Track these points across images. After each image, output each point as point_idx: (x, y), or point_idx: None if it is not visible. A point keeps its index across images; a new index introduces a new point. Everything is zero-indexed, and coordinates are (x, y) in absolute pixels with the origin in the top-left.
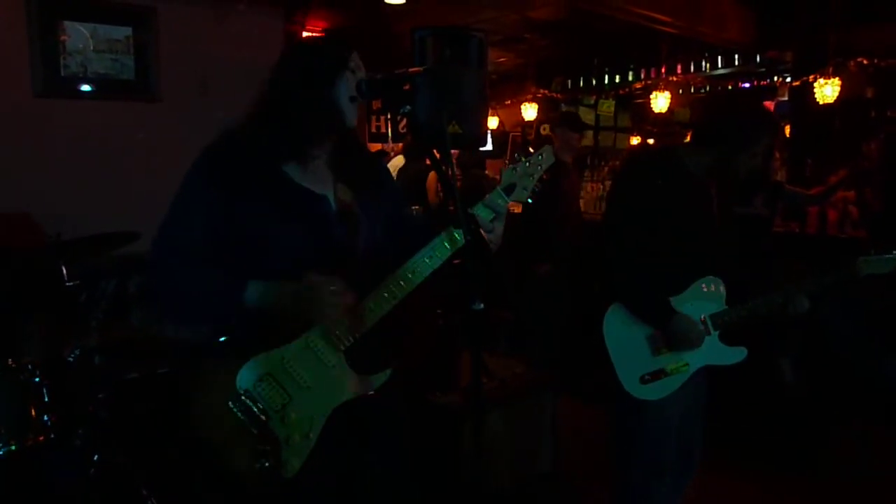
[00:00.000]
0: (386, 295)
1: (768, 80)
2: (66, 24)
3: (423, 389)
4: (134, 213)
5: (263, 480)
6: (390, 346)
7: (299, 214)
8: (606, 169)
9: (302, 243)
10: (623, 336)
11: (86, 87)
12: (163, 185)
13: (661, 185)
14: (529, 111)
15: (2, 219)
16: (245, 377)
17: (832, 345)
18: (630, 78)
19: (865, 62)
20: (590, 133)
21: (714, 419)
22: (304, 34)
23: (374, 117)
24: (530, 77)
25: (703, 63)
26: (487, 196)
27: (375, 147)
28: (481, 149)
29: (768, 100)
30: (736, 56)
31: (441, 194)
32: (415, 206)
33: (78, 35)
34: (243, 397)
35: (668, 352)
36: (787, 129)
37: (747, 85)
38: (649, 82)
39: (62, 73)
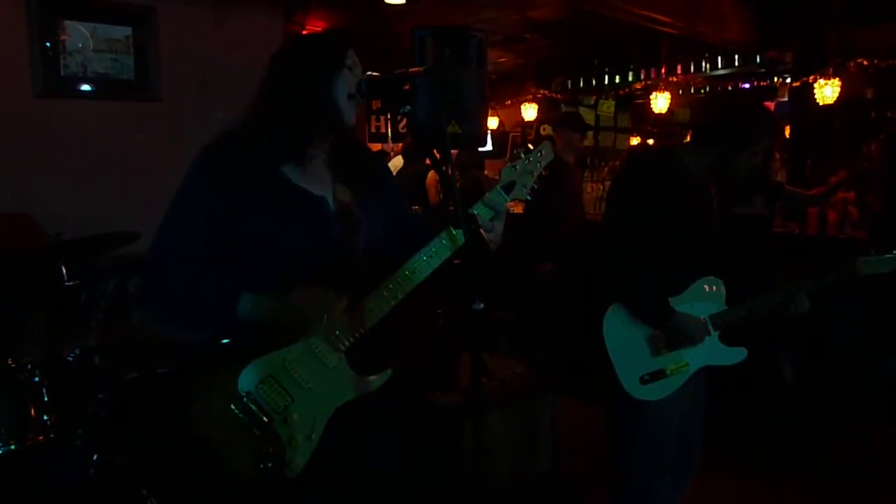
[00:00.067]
0: (386, 295)
1: (768, 81)
2: (67, 23)
3: (423, 389)
4: (134, 213)
5: (266, 481)
6: (390, 347)
7: (298, 216)
8: (606, 169)
9: (301, 244)
10: (623, 336)
11: (86, 87)
12: (163, 185)
13: (661, 185)
14: (529, 111)
15: (2, 219)
16: (246, 379)
17: (832, 345)
18: (630, 78)
19: (865, 63)
20: (590, 133)
21: (714, 419)
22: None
23: (374, 117)
24: (530, 77)
25: (703, 63)
26: (487, 195)
27: (376, 147)
28: (481, 149)
29: (768, 100)
30: (736, 56)
31: (441, 195)
32: (415, 206)
33: (78, 35)
34: (245, 399)
35: (668, 352)
36: (787, 130)
37: (747, 85)
38: (649, 83)
39: (62, 73)
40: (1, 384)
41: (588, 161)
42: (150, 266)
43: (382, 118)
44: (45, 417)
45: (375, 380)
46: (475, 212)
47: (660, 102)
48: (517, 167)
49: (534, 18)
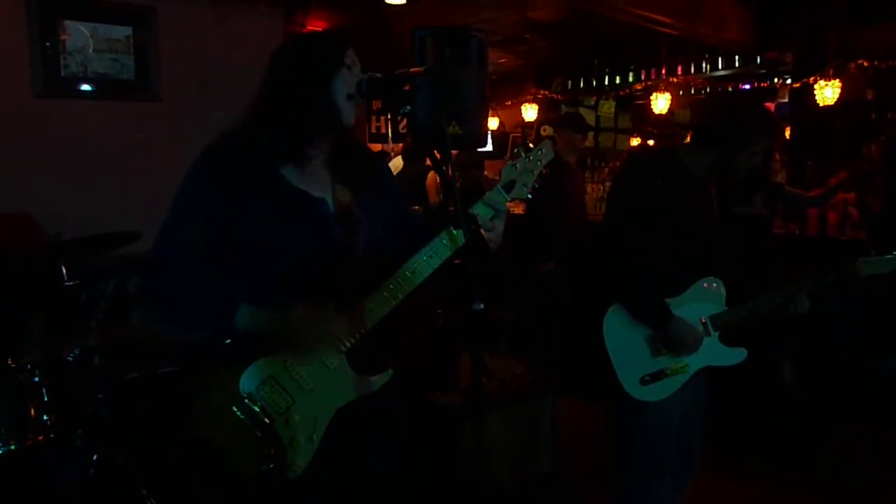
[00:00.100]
0: (386, 295)
1: (768, 82)
2: (67, 23)
3: (423, 389)
4: (134, 213)
5: (268, 482)
6: (391, 347)
7: (298, 217)
8: (606, 170)
9: (301, 244)
10: (623, 337)
11: (86, 87)
12: (163, 185)
13: (661, 186)
14: (529, 112)
15: (2, 219)
16: (248, 381)
17: (832, 345)
18: (630, 79)
19: (866, 64)
20: (590, 134)
21: (714, 419)
22: None
23: (374, 117)
24: (530, 78)
25: (704, 64)
26: (487, 194)
27: (376, 147)
28: (481, 150)
29: (768, 101)
30: (736, 57)
31: (441, 196)
32: (415, 207)
33: (78, 35)
34: (246, 401)
35: (668, 353)
36: (788, 131)
37: (747, 86)
38: (649, 83)
39: (62, 73)
40: (1, 384)
41: (588, 162)
42: (152, 266)
43: (383, 118)
44: (45, 417)
45: (376, 380)
46: (475, 211)
47: (660, 103)
48: (518, 166)
49: (534, 19)
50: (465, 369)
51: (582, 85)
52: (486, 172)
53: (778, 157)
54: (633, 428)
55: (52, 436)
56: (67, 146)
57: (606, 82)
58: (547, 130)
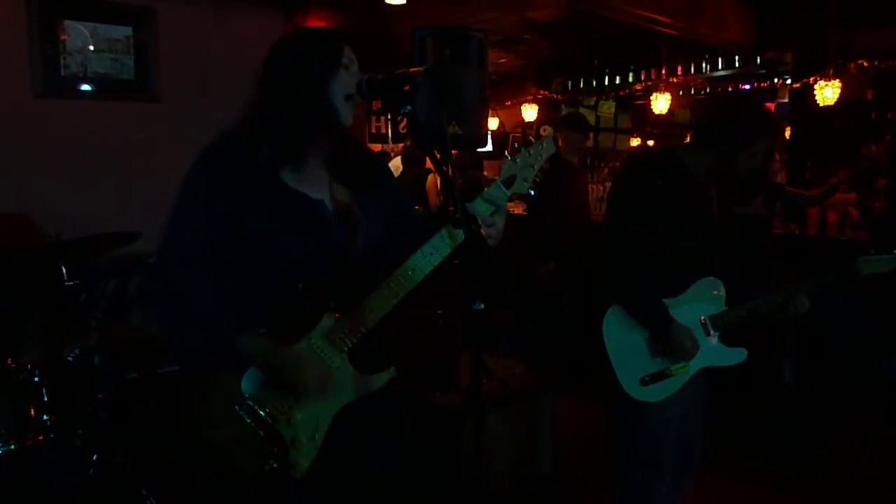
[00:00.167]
0: (387, 293)
1: (768, 82)
2: (67, 23)
3: (423, 389)
4: (134, 213)
5: (271, 482)
6: (393, 345)
7: (296, 218)
8: (606, 170)
9: (301, 244)
10: (623, 338)
11: (86, 87)
12: (163, 185)
13: (661, 186)
14: (529, 112)
15: (2, 219)
16: (249, 381)
17: (832, 345)
18: (630, 79)
19: (866, 64)
20: (590, 134)
21: (714, 419)
22: None
23: (374, 118)
24: (530, 78)
25: (704, 64)
26: (486, 190)
27: (376, 147)
28: (481, 150)
29: (769, 101)
30: (736, 57)
31: (441, 197)
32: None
33: (78, 35)
34: (249, 401)
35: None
36: (788, 131)
37: (747, 87)
38: (649, 83)
39: (62, 73)
40: (1, 384)
41: (588, 162)
42: (157, 269)
43: (382, 118)
44: (45, 417)
45: (378, 378)
46: (475, 206)
47: (660, 103)
48: (517, 161)
49: (534, 19)
50: (465, 369)
51: (582, 85)
52: (485, 173)
53: (778, 157)
54: (633, 428)
55: (52, 436)
56: (67, 146)
57: (606, 82)
58: (547, 130)
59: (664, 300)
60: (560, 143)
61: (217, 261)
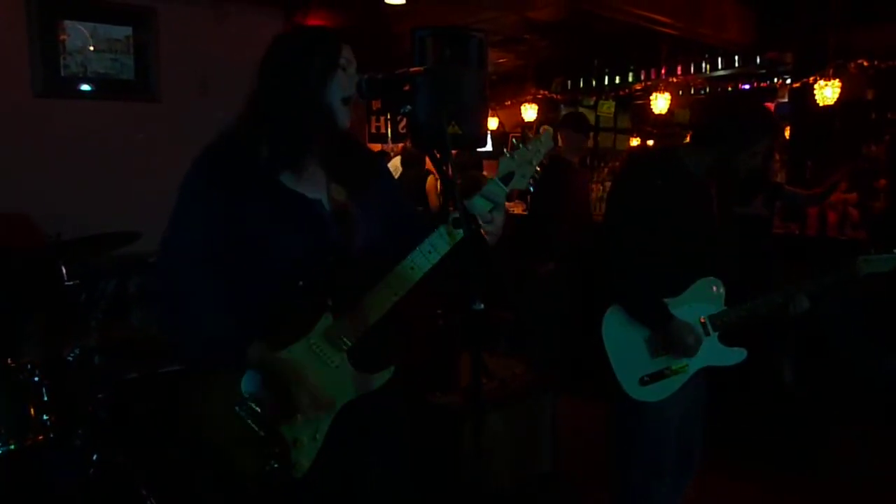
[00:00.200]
0: (386, 292)
1: (768, 82)
2: (66, 23)
3: (423, 389)
4: (134, 213)
5: (272, 482)
6: (393, 344)
7: (295, 219)
8: (606, 170)
9: (300, 245)
10: (622, 338)
11: (86, 87)
12: (163, 185)
13: (661, 186)
14: (529, 112)
15: (2, 219)
16: (249, 381)
17: (832, 345)
18: (630, 79)
19: (865, 64)
20: (590, 134)
21: (714, 419)
22: None
23: (373, 117)
24: (530, 78)
25: (703, 64)
26: (484, 186)
27: (376, 147)
28: (481, 150)
29: (768, 101)
30: (736, 57)
31: (441, 198)
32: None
33: (78, 35)
34: (249, 401)
35: (668, 354)
36: (787, 131)
37: (747, 86)
38: (649, 83)
39: (62, 73)
40: (1, 384)
41: (588, 162)
42: (158, 271)
43: (382, 118)
44: (45, 417)
45: (378, 377)
46: (473, 203)
47: (660, 103)
48: (515, 157)
49: (534, 19)
50: (465, 369)
51: (582, 85)
52: (485, 173)
53: (778, 157)
54: (633, 428)
55: (52, 436)
56: (67, 146)
57: (606, 82)
58: (547, 130)
59: (664, 300)
60: (560, 143)
61: (217, 261)
